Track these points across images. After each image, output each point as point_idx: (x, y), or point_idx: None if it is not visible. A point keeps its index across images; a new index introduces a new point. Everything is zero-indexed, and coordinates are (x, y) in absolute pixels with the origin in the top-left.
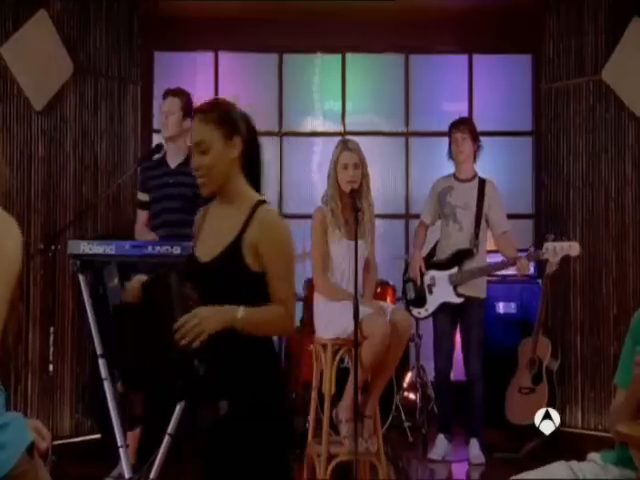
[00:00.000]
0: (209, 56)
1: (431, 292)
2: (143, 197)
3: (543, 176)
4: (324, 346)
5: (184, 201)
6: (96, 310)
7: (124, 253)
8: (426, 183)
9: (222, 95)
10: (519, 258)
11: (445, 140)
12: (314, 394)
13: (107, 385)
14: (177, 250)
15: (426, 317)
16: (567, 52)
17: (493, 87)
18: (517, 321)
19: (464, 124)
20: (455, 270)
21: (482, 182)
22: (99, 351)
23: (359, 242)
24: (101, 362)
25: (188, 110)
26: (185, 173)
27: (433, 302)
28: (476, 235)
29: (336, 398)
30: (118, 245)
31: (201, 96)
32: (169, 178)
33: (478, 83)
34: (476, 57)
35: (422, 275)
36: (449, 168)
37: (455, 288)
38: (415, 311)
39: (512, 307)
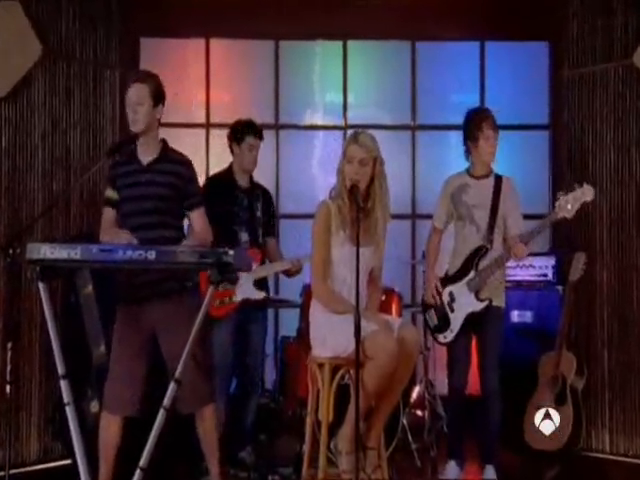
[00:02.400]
0: (200, 43)
1: (452, 310)
2: (112, 194)
3: (565, 172)
4: (321, 365)
5: (160, 202)
6: (68, 321)
7: (91, 258)
8: (434, 181)
9: (214, 84)
10: (514, 243)
11: (455, 134)
12: (310, 419)
13: (70, 411)
14: (152, 255)
15: (452, 340)
16: (593, 34)
17: (507, 77)
18: (533, 331)
19: (493, 118)
20: (472, 274)
21: (498, 178)
22: (61, 371)
23: (364, 249)
24: (63, 384)
25: (159, 96)
26: (159, 171)
27: (457, 319)
28: (490, 230)
29: (335, 423)
30: (84, 249)
31: (191, 86)
32: (141, 176)
33: (490, 73)
34: (489, 44)
35: (440, 296)
36: (459, 164)
37: (477, 294)
38: (440, 336)
39: (528, 316)
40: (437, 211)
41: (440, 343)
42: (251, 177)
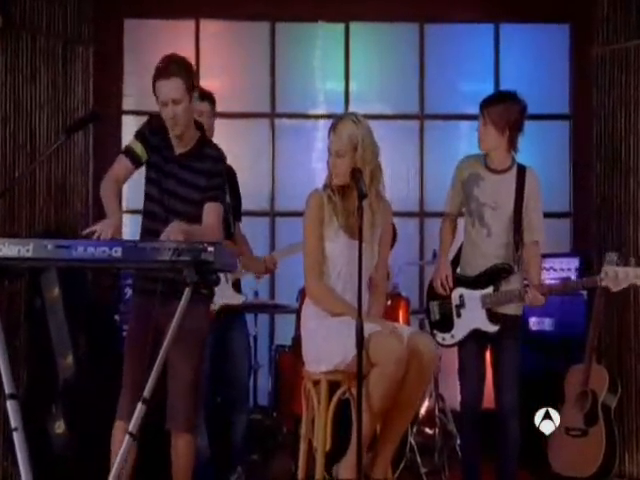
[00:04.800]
0: (189, 24)
1: (459, 315)
2: (140, 150)
3: (592, 163)
4: (316, 383)
5: (191, 206)
6: (33, 329)
7: (46, 256)
8: (444, 175)
9: (205, 70)
10: (530, 287)
11: (467, 124)
12: (303, 446)
13: (17, 438)
14: (117, 252)
15: (452, 345)
16: (626, 9)
17: (523, 62)
18: (554, 341)
19: (496, 107)
20: (490, 290)
21: (521, 171)
22: (8, 389)
23: (363, 244)
24: (10, 405)
25: (193, 84)
26: (192, 170)
27: (461, 328)
28: (516, 246)
29: (336, 448)
30: (37, 245)
31: None
32: (174, 168)
33: (505, 57)
34: (504, 26)
35: (450, 290)
36: None
37: (488, 312)
38: (439, 336)
39: (547, 323)
40: (448, 197)
41: (438, 344)
42: None
